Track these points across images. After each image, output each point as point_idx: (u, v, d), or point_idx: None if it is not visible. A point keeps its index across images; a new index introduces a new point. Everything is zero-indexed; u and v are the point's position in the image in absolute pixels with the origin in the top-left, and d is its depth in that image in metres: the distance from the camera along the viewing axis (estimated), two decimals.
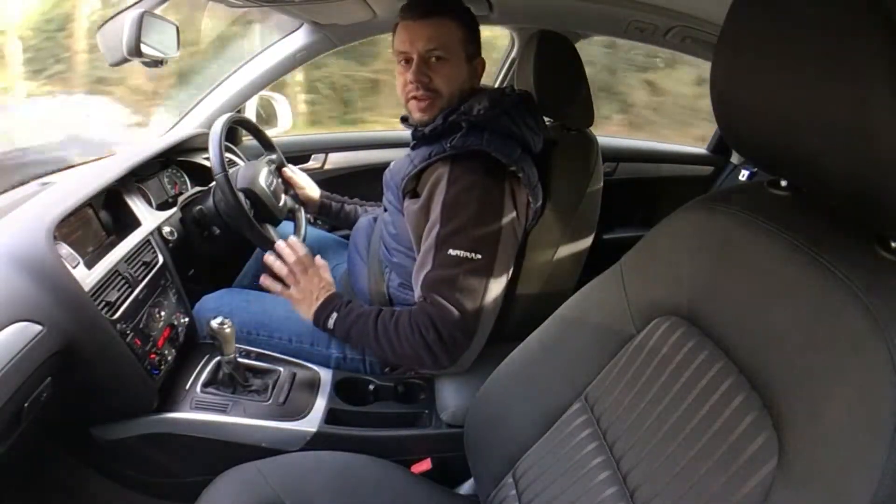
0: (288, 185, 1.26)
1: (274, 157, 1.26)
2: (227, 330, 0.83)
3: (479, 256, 0.83)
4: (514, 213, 0.88)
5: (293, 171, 1.28)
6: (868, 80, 0.37)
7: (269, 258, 0.98)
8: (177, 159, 1.22)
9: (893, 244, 0.43)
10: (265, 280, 0.98)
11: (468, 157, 0.86)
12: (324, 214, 1.31)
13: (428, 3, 0.89)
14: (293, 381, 0.94)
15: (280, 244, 0.99)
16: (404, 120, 1.01)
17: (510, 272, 0.91)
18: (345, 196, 1.34)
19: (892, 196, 0.39)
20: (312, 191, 1.29)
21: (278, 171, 1.24)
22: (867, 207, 0.42)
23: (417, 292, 0.88)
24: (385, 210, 1.02)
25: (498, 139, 0.87)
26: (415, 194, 0.91)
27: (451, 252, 0.83)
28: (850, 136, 0.39)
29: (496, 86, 1.65)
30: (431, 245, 0.85)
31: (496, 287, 0.86)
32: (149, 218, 1.01)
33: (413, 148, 0.98)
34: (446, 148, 0.88)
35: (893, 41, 0.36)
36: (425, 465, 0.86)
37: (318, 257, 1.01)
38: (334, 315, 0.91)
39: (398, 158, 1.01)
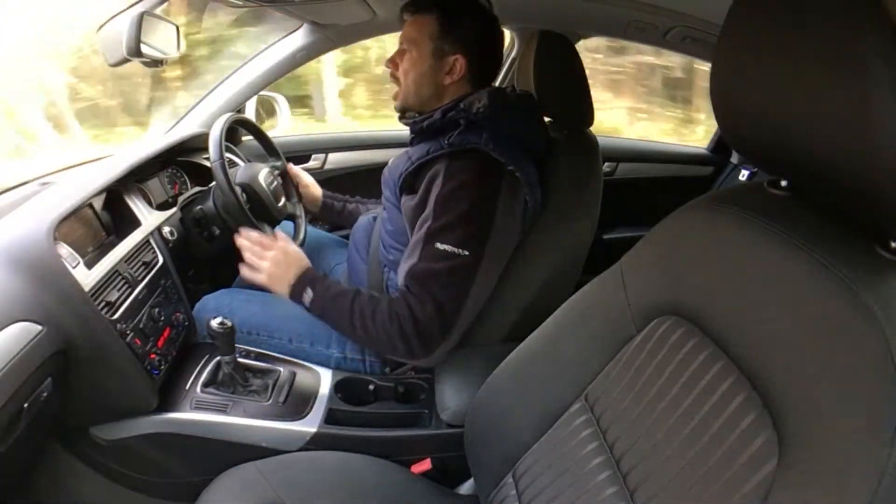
0: (290, 190, 1.25)
1: (278, 164, 1.26)
2: (227, 330, 0.83)
3: (467, 253, 0.83)
4: (509, 213, 0.88)
5: (298, 170, 1.29)
6: (868, 80, 0.37)
7: (238, 241, 0.96)
8: (177, 159, 1.22)
9: (893, 244, 0.43)
10: (243, 271, 0.96)
11: (466, 154, 0.87)
12: (326, 213, 1.31)
13: (412, 0, 0.95)
14: (293, 381, 0.94)
15: (243, 233, 0.97)
16: (402, 117, 1.01)
17: (499, 271, 0.91)
18: (346, 195, 1.34)
19: (892, 195, 0.39)
20: (315, 189, 1.29)
21: (282, 176, 1.23)
22: (867, 207, 0.42)
23: (400, 281, 0.87)
24: (384, 208, 1.03)
25: (497, 138, 0.87)
26: (412, 190, 0.91)
27: (439, 246, 0.83)
28: (850, 135, 0.39)
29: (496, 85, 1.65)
30: (421, 238, 0.86)
31: (481, 285, 0.86)
32: (149, 218, 1.00)
33: (411, 144, 0.98)
34: (444, 145, 0.88)
35: (893, 40, 0.36)
36: (425, 465, 0.86)
37: (278, 231, 1.00)
38: (310, 292, 0.90)
39: (397, 155, 1.01)
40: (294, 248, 0.96)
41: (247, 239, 0.96)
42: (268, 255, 0.93)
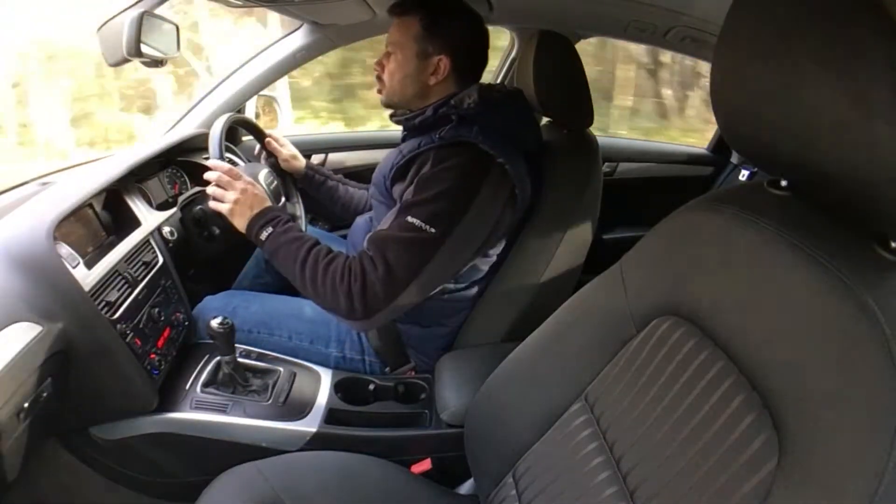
0: (290, 190, 1.25)
1: (273, 160, 1.26)
2: (227, 330, 0.83)
3: (434, 231, 0.83)
4: (489, 204, 0.88)
5: (280, 143, 1.25)
6: (868, 79, 0.37)
7: (206, 176, 0.95)
8: (177, 159, 1.22)
9: (893, 244, 0.43)
10: (209, 202, 0.94)
11: (457, 146, 0.87)
12: (306, 183, 1.30)
13: (397, 2, 0.96)
14: (293, 381, 0.94)
15: (211, 163, 0.95)
16: (393, 115, 1.02)
17: (463, 258, 0.90)
18: (330, 171, 1.33)
19: (891, 195, 0.39)
20: (298, 161, 1.27)
21: (282, 176, 1.23)
22: (867, 207, 0.42)
23: (364, 244, 0.88)
24: (372, 208, 1.03)
25: (487, 132, 0.88)
26: (403, 178, 0.92)
27: (409, 219, 0.83)
28: (850, 135, 0.39)
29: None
30: (396, 210, 0.87)
31: (439, 264, 0.85)
32: (149, 218, 1.01)
33: (403, 140, 0.99)
34: (435, 139, 0.89)
35: (893, 40, 0.36)
36: (425, 465, 0.86)
37: (242, 167, 0.97)
38: (270, 229, 0.88)
39: (387, 154, 1.01)
40: (263, 189, 0.96)
41: (217, 168, 0.93)
42: (237, 184, 0.91)
